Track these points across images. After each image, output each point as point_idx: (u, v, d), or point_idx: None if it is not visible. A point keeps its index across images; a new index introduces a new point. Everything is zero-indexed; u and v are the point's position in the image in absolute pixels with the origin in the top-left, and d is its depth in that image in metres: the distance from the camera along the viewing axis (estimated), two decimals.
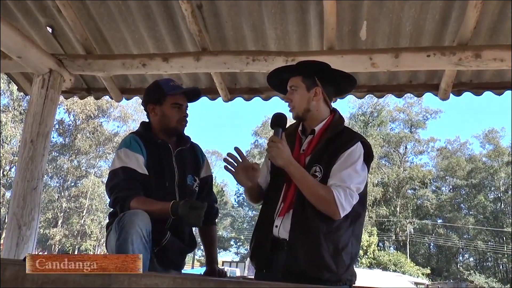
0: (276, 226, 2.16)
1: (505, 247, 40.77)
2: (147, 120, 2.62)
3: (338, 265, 2.01)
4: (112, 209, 2.41)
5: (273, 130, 2.21)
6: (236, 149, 2.25)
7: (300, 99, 2.25)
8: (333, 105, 2.39)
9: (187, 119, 2.55)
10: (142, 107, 2.75)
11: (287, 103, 2.31)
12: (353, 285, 2.10)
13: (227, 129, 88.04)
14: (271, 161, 2.18)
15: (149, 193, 2.31)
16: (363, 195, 2.16)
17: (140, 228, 2.01)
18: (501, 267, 43.76)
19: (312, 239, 2.03)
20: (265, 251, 2.18)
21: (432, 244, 46.88)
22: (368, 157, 2.16)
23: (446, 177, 48.44)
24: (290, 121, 2.29)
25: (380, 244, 43.38)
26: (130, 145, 2.39)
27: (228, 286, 1.28)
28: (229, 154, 2.24)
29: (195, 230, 2.59)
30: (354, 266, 2.11)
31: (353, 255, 2.07)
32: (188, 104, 2.58)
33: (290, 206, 2.15)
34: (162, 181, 2.41)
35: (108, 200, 2.40)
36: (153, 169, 2.40)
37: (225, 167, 2.24)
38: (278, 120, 2.22)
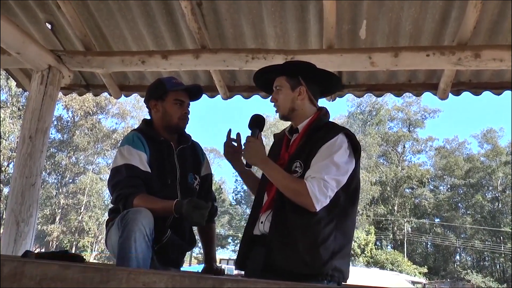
0: (262, 222, 2.18)
1: (502, 247, 40.89)
2: (148, 117, 2.62)
3: (314, 259, 2.00)
4: (112, 205, 2.41)
5: (250, 131, 2.26)
6: (237, 134, 2.41)
7: (285, 98, 2.28)
8: (330, 104, 2.41)
9: (189, 116, 2.55)
10: (140, 104, 2.77)
11: (273, 103, 2.34)
12: (342, 281, 2.09)
13: (225, 127, 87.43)
14: (246, 160, 2.21)
15: (151, 191, 2.31)
16: (353, 190, 2.16)
17: (143, 226, 2.01)
18: (498, 266, 43.90)
19: (289, 234, 2.05)
20: (244, 249, 2.24)
21: (429, 243, 46.99)
22: (354, 149, 2.15)
23: (444, 176, 48.53)
24: (274, 123, 2.32)
25: (378, 243, 43.44)
26: (133, 142, 2.39)
27: (226, 284, 1.27)
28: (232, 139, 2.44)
29: (194, 228, 2.59)
30: (341, 262, 2.06)
31: (335, 251, 2.04)
32: (190, 102, 2.59)
33: (272, 202, 2.17)
34: (164, 179, 2.41)
35: (108, 197, 2.41)
36: (155, 167, 2.40)
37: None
38: (255, 121, 2.29)
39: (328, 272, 2.01)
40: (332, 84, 2.43)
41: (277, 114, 2.35)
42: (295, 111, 2.28)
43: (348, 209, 2.14)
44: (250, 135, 2.23)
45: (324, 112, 2.31)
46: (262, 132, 2.30)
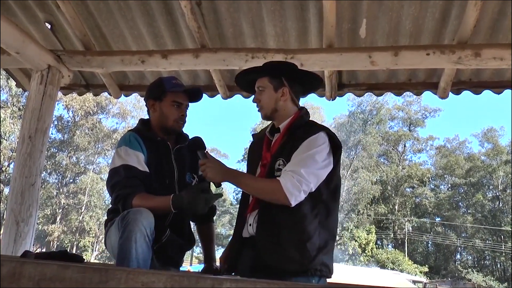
0: (250, 224, 2.20)
1: (503, 246, 40.87)
2: (146, 117, 2.62)
3: (302, 255, 2.02)
4: (110, 206, 2.41)
5: (198, 156, 2.25)
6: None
7: (268, 99, 2.30)
8: (331, 103, 2.43)
9: (186, 118, 2.55)
10: (141, 104, 2.76)
11: (255, 104, 2.36)
12: (328, 276, 2.11)
13: (225, 126, 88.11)
14: (212, 182, 2.22)
15: (150, 191, 2.31)
16: (334, 187, 2.19)
17: (144, 227, 2.01)
18: (498, 265, 43.85)
19: (276, 232, 2.07)
20: (233, 252, 2.26)
21: (430, 243, 46.97)
22: (334, 147, 2.17)
23: (445, 176, 48.51)
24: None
25: (379, 242, 43.45)
26: (130, 142, 2.38)
27: (225, 283, 1.27)
28: None
29: (193, 227, 2.59)
30: (327, 257, 2.09)
31: (321, 246, 2.06)
32: (189, 104, 2.58)
33: (258, 201, 2.18)
34: (161, 179, 2.41)
35: (108, 197, 2.40)
36: (153, 167, 2.40)
37: None
38: (193, 146, 2.32)
39: (317, 268, 2.04)
40: (314, 84, 2.47)
41: (260, 114, 2.36)
42: (277, 111, 2.30)
43: (331, 206, 2.17)
44: (199, 159, 2.22)
45: (305, 111, 2.33)
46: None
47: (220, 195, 2.16)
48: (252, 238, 2.17)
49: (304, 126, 2.23)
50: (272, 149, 2.28)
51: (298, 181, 2.01)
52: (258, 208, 2.17)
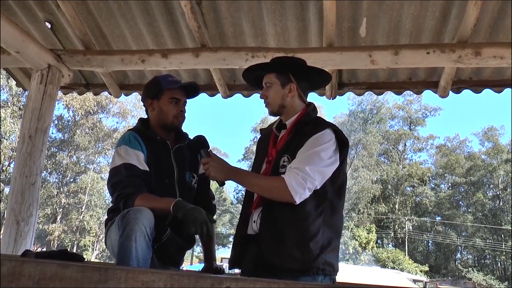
0: (254, 221, 2.19)
1: (503, 245, 40.89)
2: (145, 116, 2.62)
3: (304, 254, 2.00)
4: (111, 205, 2.41)
5: (200, 155, 2.26)
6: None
7: (275, 95, 2.29)
8: (331, 102, 2.43)
9: (185, 114, 2.55)
10: (141, 103, 2.76)
11: (263, 100, 2.35)
12: (333, 275, 2.09)
13: (226, 125, 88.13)
14: (214, 180, 2.21)
15: (149, 190, 2.30)
16: (339, 185, 2.17)
17: (144, 226, 2.00)
18: (499, 264, 43.88)
19: (279, 230, 2.05)
20: (237, 249, 2.24)
21: (430, 242, 47.02)
22: (340, 144, 2.15)
23: (445, 175, 48.53)
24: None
25: (379, 241, 43.48)
26: (130, 142, 2.38)
27: (225, 283, 1.27)
28: None
29: None
30: (331, 255, 2.07)
31: (324, 245, 2.04)
32: (187, 100, 2.58)
33: (262, 198, 2.17)
34: (161, 178, 2.40)
35: (109, 196, 2.40)
36: (153, 166, 2.39)
37: None
38: (197, 144, 2.33)
39: (319, 267, 2.02)
40: (321, 80, 2.45)
41: (267, 109, 2.36)
42: (285, 107, 2.30)
43: (336, 204, 2.15)
44: (202, 158, 2.23)
45: (312, 107, 2.32)
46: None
47: (210, 234, 2.15)
48: (256, 235, 2.15)
49: (311, 122, 2.22)
50: (278, 145, 2.27)
51: (302, 179, 2.00)
52: (262, 205, 2.16)
